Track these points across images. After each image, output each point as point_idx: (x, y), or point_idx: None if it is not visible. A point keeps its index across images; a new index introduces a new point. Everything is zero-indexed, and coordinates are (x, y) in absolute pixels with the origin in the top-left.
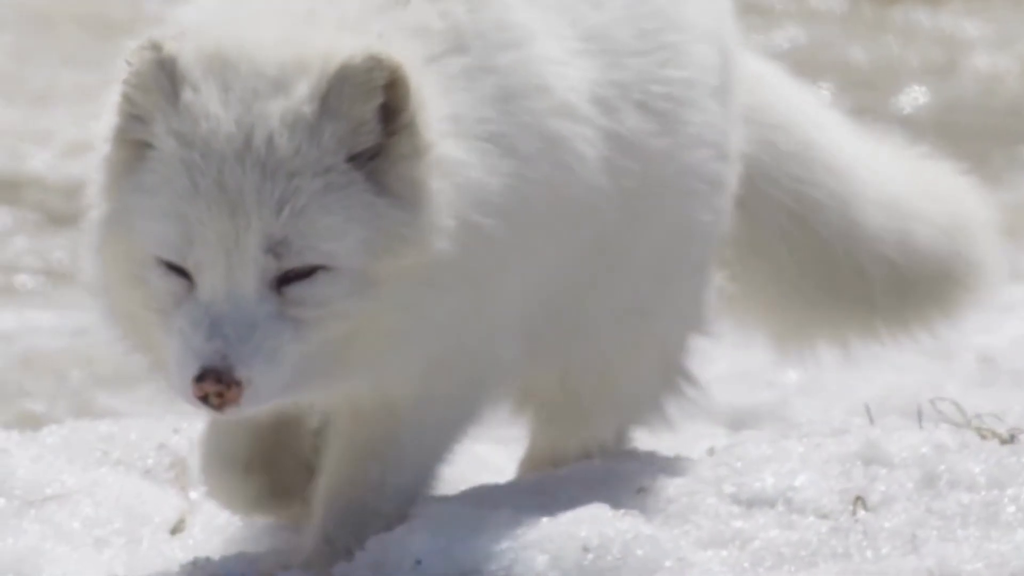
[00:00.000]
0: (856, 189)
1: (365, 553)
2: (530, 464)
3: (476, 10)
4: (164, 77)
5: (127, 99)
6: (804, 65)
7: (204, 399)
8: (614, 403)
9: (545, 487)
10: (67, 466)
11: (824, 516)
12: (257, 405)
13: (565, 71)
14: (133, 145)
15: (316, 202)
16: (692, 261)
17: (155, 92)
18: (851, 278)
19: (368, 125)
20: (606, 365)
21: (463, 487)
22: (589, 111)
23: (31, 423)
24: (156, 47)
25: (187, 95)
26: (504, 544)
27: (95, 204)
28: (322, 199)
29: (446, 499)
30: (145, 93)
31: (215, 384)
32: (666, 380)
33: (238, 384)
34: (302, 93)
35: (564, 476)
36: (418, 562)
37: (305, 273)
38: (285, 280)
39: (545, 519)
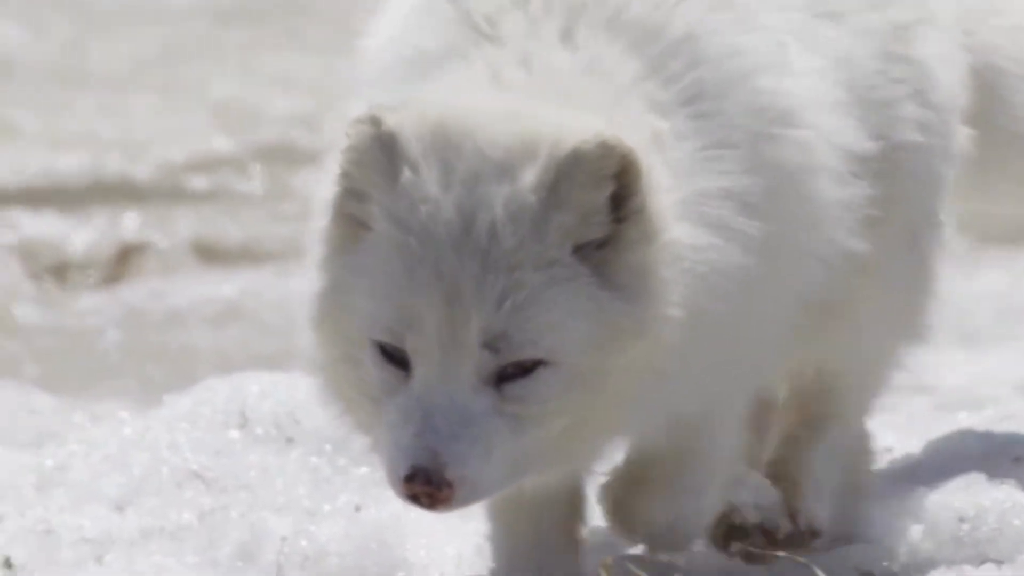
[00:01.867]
0: None
1: None
2: (791, 415)
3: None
4: (382, 154)
5: (345, 174)
6: None
7: (415, 498)
8: (857, 396)
9: (918, 457)
10: None
11: None
12: (469, 503)
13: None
14: (351, 221)
15: (538, 297)
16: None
17: (373, 170)
18: None
19: (597, 216)
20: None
21: None
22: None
23: None
24: (375, 122)
25: (406, 175)
26: (877, 512)
27: (312, 276)
28: (544, 294)
29: None
30: (363, 169)
31: (425, 485)
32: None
33: (449, 485)
34: (528, 181)
35: (938, 447)
36: None
37: (524, 369)
38: (503, 376)
39: (920, 488)
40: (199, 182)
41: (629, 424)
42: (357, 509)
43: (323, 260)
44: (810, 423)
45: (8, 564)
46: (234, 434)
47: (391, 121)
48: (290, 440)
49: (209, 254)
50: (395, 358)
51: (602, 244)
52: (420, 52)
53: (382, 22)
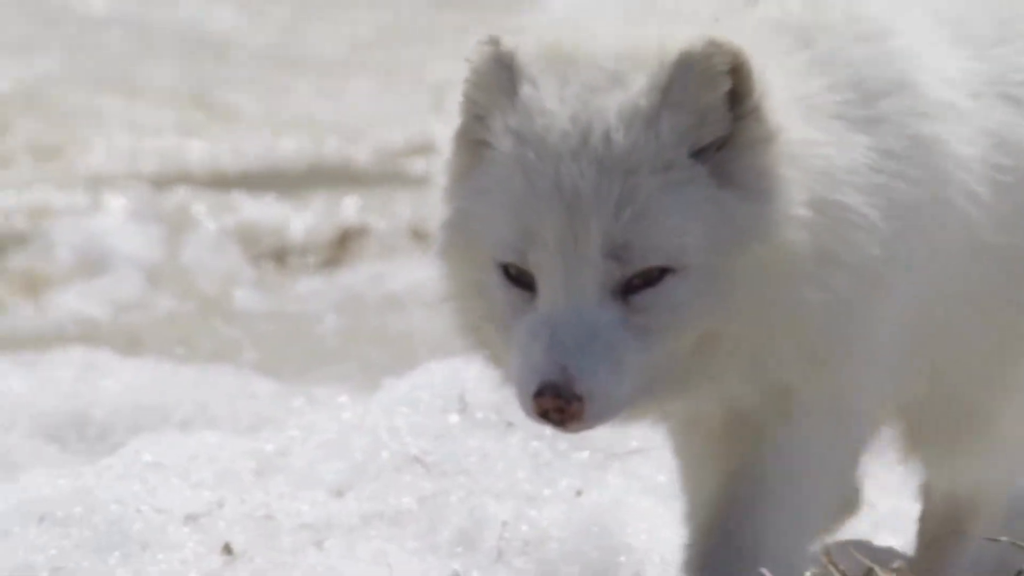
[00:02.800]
0: None
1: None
2: (932, 522)
3: (821, 4)
4: (503, 73)
5: (468, 98)
6: None
7: (545, 415)
8: (1007, 428)
9: None
10: None
11: None
12: (601, 420)
13: (931, 64)
14: (474, 145)
15: (657, 201)
16: None
17: (494, 89)
18: None
19: (714, 114)
20: (990, 380)
21: None
22: (964, 107)
23: None
24: (495, 42)
25: (525, 90)
26: None
27: (438, 209)
28: (663, 197)
29: None
30: (484, 91)
31: (555, 400)
32: None
33: (579, 399)
34: (640, 85)
35: None
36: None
37: (651, 278)
38: (629, 288)
39: None
40: (417, 165)
41: (762, 346)
42: (578, 493)
43: (448, 190)
44: (953, 526)
45: (228, 549)
46: (453, 418)
47: (510, 41)
48: (510, 425)
49: (428, 238)
50: (521, 281)
51: (720, 145)
52: None
53: None
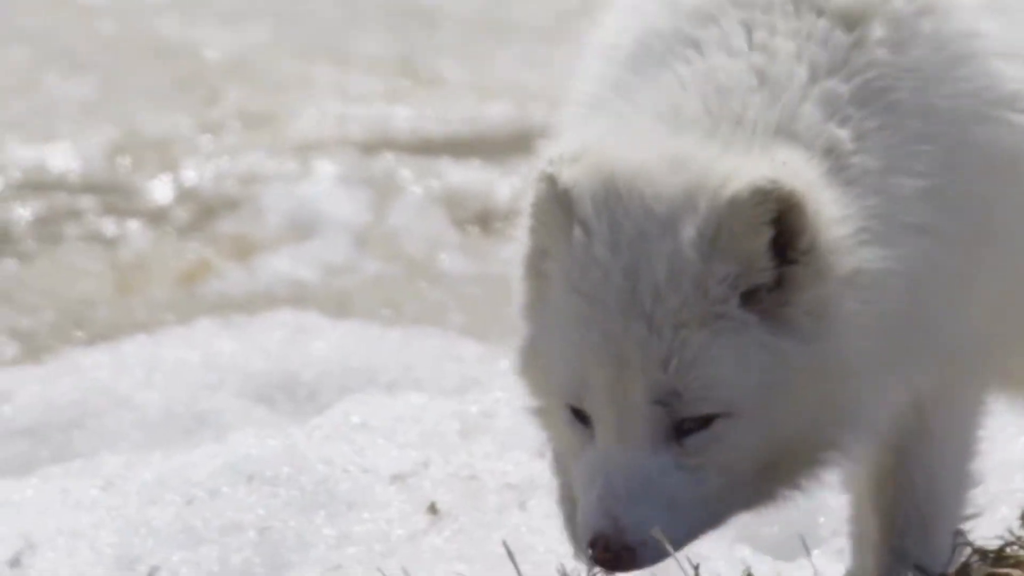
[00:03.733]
0: None
1: None
2: None
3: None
4: (560, 213)
5: (532, 230)
6: None
7: (600, 562)
8: None
9: None
10: None
11: None
12: (658, 560)
13: None
14: (540, 276)
15: (705, 353)
16: None
17: (552, 228)
18: None
19: (759, 262)
20: None
21: None
22: None
23: None
24: (552, 181)
25: (577, 236)
26: None
27: (519, 326)
28: (711, 350)
29: None
30: (544, 228)
31: (604, 552)
32: None
33: (630, 549)
34: (689, 236)
35: None
36: None
37: (704, 421)
38: (682, 430)
39: None
40: None
41: (826, 455)
42: None
43: (523, 312)
44: None
45: (434, 509)
46: None
47: (566, 177)
48: None
49: None
50: (583, 417)
51: (772, 288)
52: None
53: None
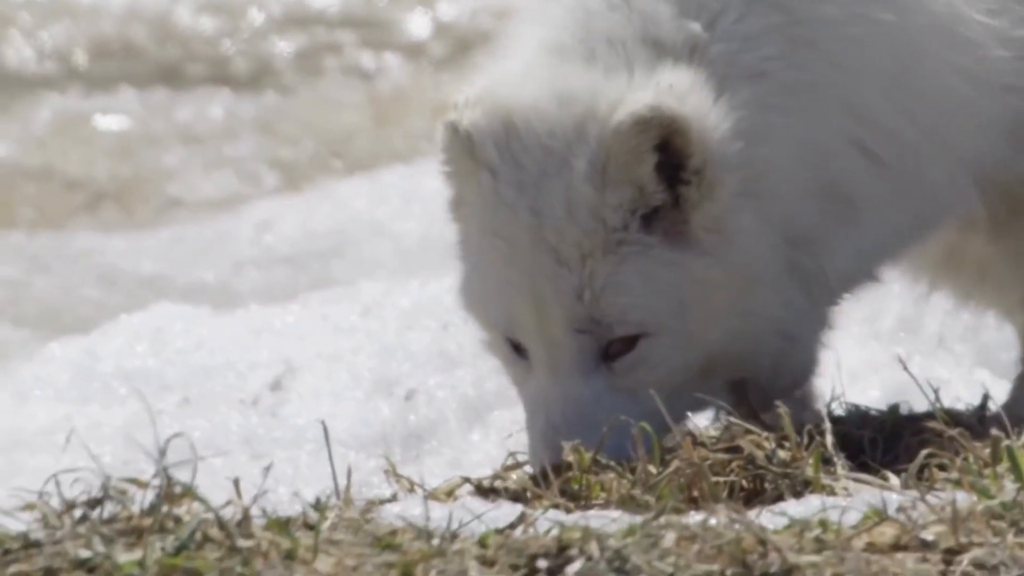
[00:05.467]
0: None
1: None
2: None
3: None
4: (466, 157)
5: (447, 176)
6: None
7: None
8: None
9: None
10: None
11: None
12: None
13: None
14: (462, 219)
15: (613, 279)
16: None
17: (461, 173)
18: None
19: (651, 186)
20: None
21: None
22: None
23: None
24: (455, 128)
25: (484, 179)
26: None
27: (457, 263)
28: (618, 275)
29: None
30: (454, 174)
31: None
32: None
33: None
34: (582, 169)
35: None
36: None
37: (629, 342)
38: (610, 354)
39: None
40: None
41: (752, 358)
42: None
43: (459, 255)
44: None
45: None
46: None
47: (468, 123)
48: None
49: None
50: (521, 349)
51: (671, 209)
52: None
53: None
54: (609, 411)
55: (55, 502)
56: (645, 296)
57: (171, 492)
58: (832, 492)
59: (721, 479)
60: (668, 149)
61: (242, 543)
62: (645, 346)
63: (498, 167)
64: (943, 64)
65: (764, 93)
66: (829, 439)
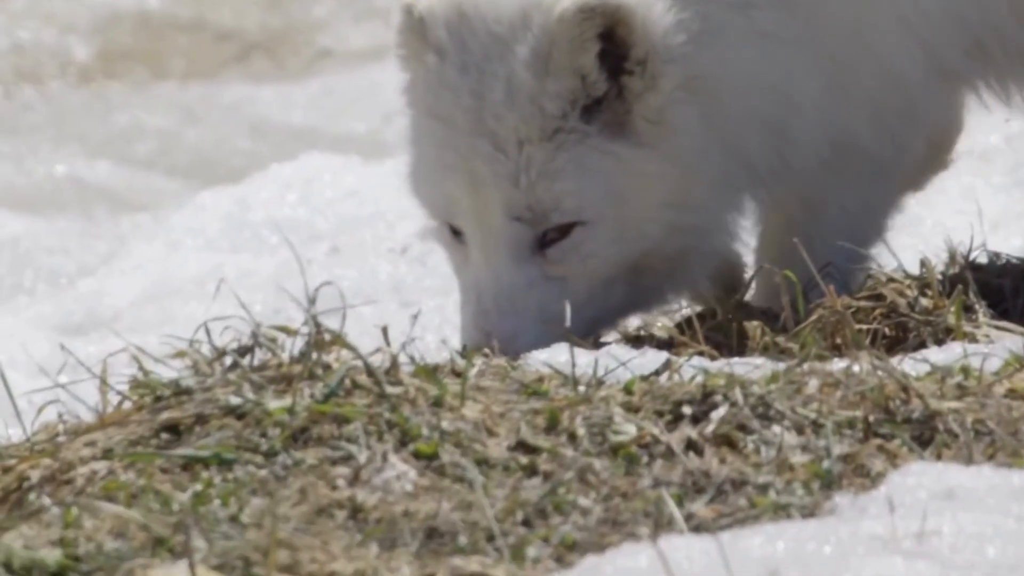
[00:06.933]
0: None
1: None
2: None
3: None
4: (416, 40)
5: (401, 60)
6: None
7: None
8: None
9: None
10: None
11: None
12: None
13: None
14: (413, 104)
15: (549, 166)
16: None
17: (412, 57)
18: None
19: (592, 76)
20: None
21: None
22: None
23: None
24: (409, 11)
25: (431, 60)
26: None
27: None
28: (555, 162)
29: None
30: (406, 57)
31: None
32: None
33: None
34: (523, 56)
35: None
36: None
37: (563, 231)
38: (545, 242)
39: None
40: None
41: (687, 259)
42: None
43: (407, 141)
44: None
45: None
46: None
47: (422, 6)
48: None
49: None
50: (460, 235)
51: (613, 99)
52: None
53: None
54: (540, 299)
55: (206, 350)
56: (580, 184)
57: (320, 340)
58: (973, 339)
59: (864, 327)
60: (612, 39)
61: (390, 390)
62: (579, 235)
63: (446, 49)
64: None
65: (715, 2)
66: (971, 287)
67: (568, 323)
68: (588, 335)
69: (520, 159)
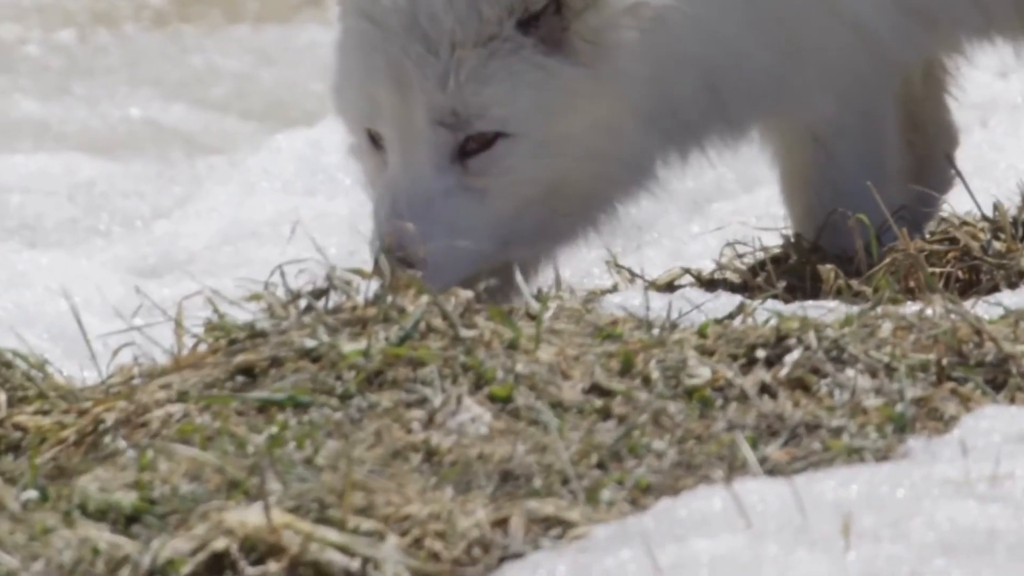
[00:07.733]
0: None
1: None
2: None
3: None
4: None
5: None
6: None
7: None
8: None
9: None
10: None
11: None
12: (443, 281)
13: None
14: (346, 11)
15: (480, 71)
16: None
17: None
18: None
19: None
20: None
21: None
22: None
23: None
24: None
25: None
26: None
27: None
28: (486, 68)
29: None
30: None
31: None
32: None
33: (413, 264)
34: None
35: None
36: None
37: (485, 142)
38: (466, 152)
39: None
40: None
41: (605, 192)
42: None
43: (334, 54)
44: None
45: None
46: None
47: None
48: None
49: None
50: (379, 143)
51: (552, 14)
52: None
53: None
54: (455, 208)
55: (281, 292)
56: (509, 93)
57: (396, 282)
58: None
59: (937, 270)
60: None
61: (465, 333)
62: (502, 147)
63: None
64: None
65: None
66: None
67: (481, 238)
68: (496, 255)
69: (451, 62)
